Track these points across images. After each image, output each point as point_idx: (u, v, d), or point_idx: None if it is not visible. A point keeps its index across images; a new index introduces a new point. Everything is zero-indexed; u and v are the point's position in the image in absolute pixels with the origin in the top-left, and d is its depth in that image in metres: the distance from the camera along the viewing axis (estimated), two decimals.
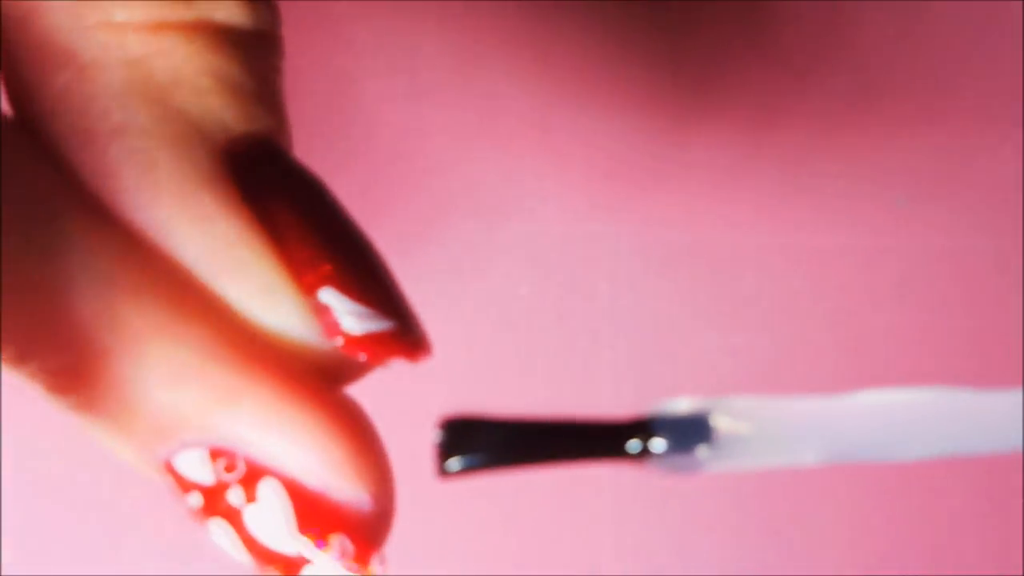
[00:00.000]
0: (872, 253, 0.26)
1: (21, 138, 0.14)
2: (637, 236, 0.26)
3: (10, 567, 0.25)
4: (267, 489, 0.14)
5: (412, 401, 0.25)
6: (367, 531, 0.14)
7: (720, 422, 0.13)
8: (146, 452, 0.14)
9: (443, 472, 0.13)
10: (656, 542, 0.26)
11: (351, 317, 0.14)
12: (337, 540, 0.14)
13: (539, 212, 0.26)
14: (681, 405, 0.13)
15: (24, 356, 0.13)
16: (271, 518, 0.14)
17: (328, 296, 0.14)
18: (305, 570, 0.14)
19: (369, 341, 0.14)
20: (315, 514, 0.14)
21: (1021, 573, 0.26)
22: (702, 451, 0.13)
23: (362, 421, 0.14)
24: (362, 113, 0.26)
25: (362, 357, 0.14)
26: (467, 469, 0.13)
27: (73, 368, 0.13)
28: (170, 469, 0.14)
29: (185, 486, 0.14)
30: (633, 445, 0.13)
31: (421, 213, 0.26)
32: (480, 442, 0.13)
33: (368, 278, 0.14)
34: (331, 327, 0.14)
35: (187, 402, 0.13)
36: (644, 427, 0.13)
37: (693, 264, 0.26)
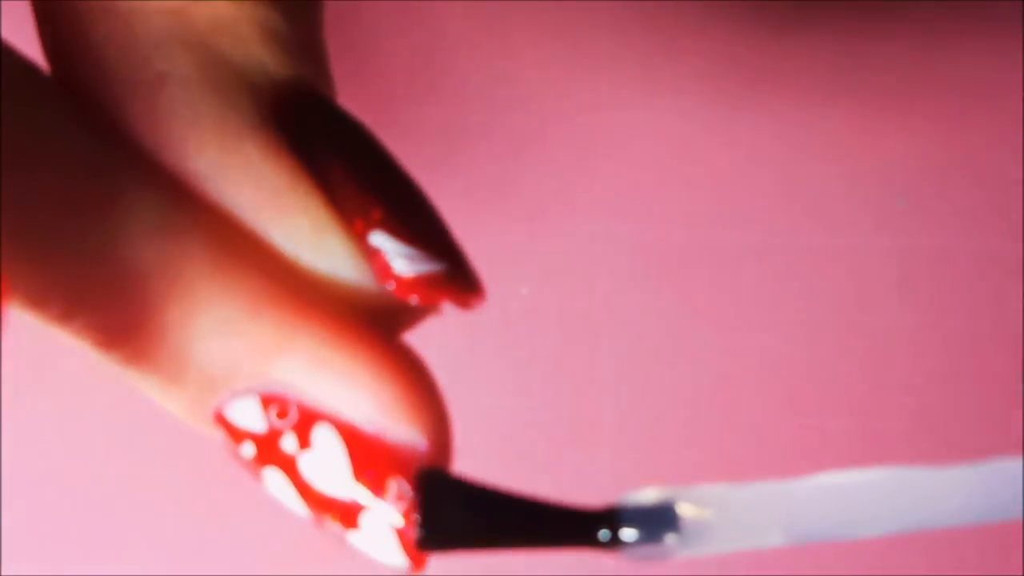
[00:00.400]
0: (872, 253, 0.26)
1: (63, 93, 0.13)
2: (637, 236, 0.26)
3: (10, 567, 0.25)
4: (322, 435, 0.13)
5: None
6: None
7: (686, 510, 0.13)
8: (198, 403, 0.14)
9: (424, 545, 0.13)
10: None
11: (402, 259, 0.14)
12: (395, 485, 0.13)
13: (539, 212, 0.26)
14: (648, 495, 0.14)
15: (71, 312, 0.13)
16: (327, 464, 0.13)
17: (379, 239, 0.14)
18: (363, 518, 0.13)
19: (421, 283, 0.14)
20: (372, 459, 0.13)
21: (1021, 573, 0.26)
22: (671, 539, 0.13)
23: (417, 364, 0.14)
24: None
25: (414, 300, 0.14)
26: (435, 548, 0.13)
27: (122, 321, 0.13)
28: (222, 420, 0.13)
29: (237, 436, 0.13)
30: (603, 535, 0.14)
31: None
32: (452, 517, 0.13)
33: (418, 221, 0.14)
34: (383, 270, 0.14)
35: (239, 350, 0.13)
36: (613, 516, 0.14)
37: (693, 264, 0.26)
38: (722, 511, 0.13)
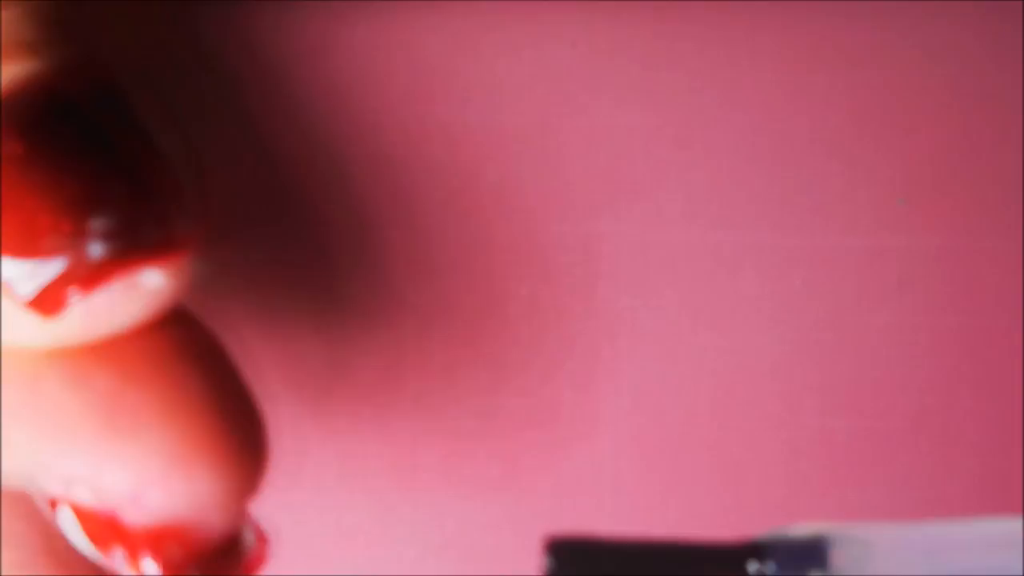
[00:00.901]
0: (872, 253, 0.26)
1: None
2: (637, 236, 0.26)
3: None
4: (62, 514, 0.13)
5: (412, 401, 0.25)
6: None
7: (836, 549, 0.13)
8: None
9: None
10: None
11: (19, 279, 0.12)
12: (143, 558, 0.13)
13: (539, 213, 0.26)
14: (798, 530, 0.14)
15: None
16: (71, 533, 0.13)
17: (7, 267, 0.12)
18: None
19: (52, 293, 0.12)
20: (109, 534, 0.13)
21: (1021, 573, 0.26)
22: (815, 573, 0.13)
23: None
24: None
25: (119, 281, 0.12)
26: None
27: None
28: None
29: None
30: (751, 568, 0.13)
31: (422, 216, 0.26)
32: (590, 569, 0.13)
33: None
34: (46, 301, 0.12)
35: None
36: (760, 551, 0.14)
37: (693, 264, 0.26)
38: (871, 551, 0.13)
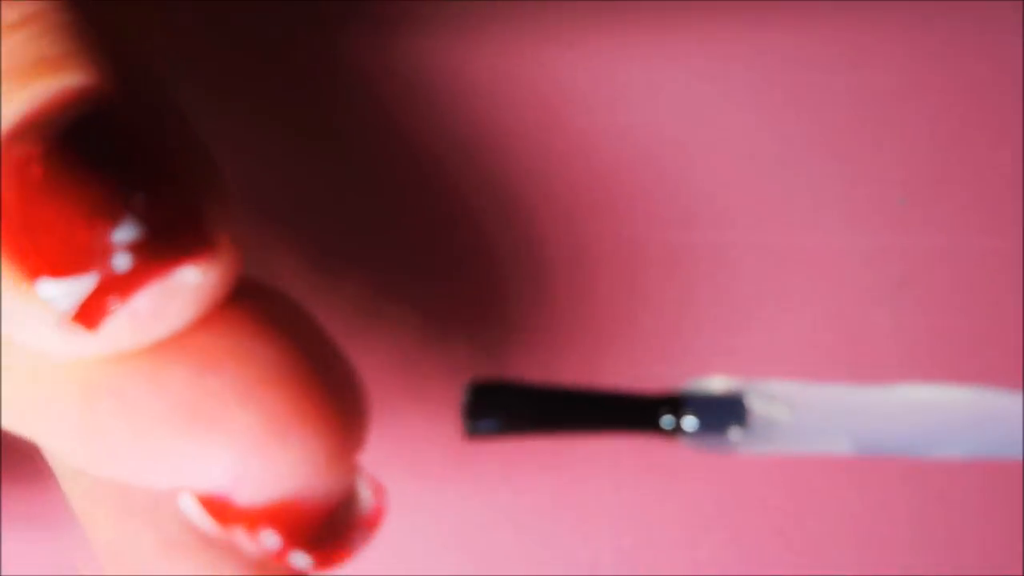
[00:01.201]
0: (872, 253, 0.26)
1: None
2: (638, 236, 0.26)
3: (10, 567, 0.25)
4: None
5: (411, 401, 0.25)
6: None
7: (755, 404, 0.13)
8: None
9: (470, 433, 0.13)
10: (656, 542, 0.26)
11: (58, 297, 0.12)
12: (263, 534, 0.13)
13: (539, 213, 0.26)
14: (716, 384, 0.13)
15: None
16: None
17: (45, 289, 0.12)
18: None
19: (91, 306, 0.12)
20: (228, 515, 0.13)
21: (1021, 573, 0.26)
22: (735, 432, 0.13)
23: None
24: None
25: (151, 283, 0.12)
26: (494, 432, 0.13)
27: None
28: None
29: None
30: (666, 421, 0.13)
31: (427, 221, 0.26)
32: (506, 406, 0.13)
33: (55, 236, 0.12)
34: (87, 314, 0.12)
35: None
36: (677, 403, 0.13)
37: (693, 264, 0.26)
38: (792, 409, 0.13)
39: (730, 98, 0.26)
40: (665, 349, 0.26)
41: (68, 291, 0.12)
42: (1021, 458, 0.13)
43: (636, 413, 0.13)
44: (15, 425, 0.13)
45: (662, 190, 0.26)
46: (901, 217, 0.26)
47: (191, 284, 0.12)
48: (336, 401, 0.13)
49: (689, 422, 0.13)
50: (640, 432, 0.13)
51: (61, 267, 0.12)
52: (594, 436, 0.13)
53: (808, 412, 0.13)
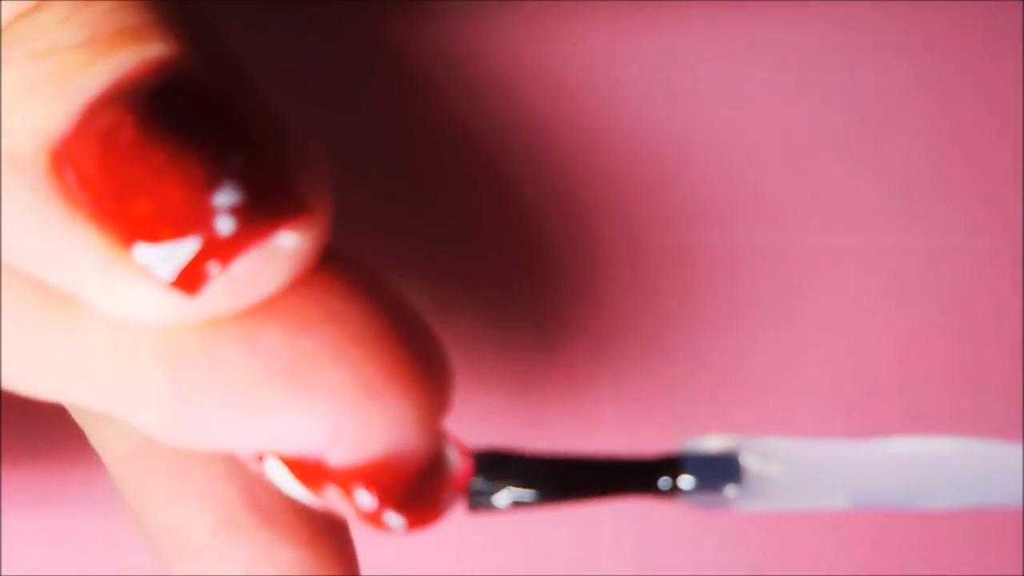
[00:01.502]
0: (872, 253, 0.26)
1: None
2: (639, 236, 0.26)
3: (10, 567, 0.25)
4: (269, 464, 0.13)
5: None
6: None
7: (750, 462, 0.13)
8: None
9: (473, 508, 0.13)
10: (656, 542, 0.26)
11: (158, 263, 0.12)
12: (357, 490, 0.13)
13: (539, 213, 0.26)
14: (711, 443, 0.14)
15: None
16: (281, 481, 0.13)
17: (142, 254, 0.12)
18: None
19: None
20: (320, 477, 0.13)
21: (1021, 573, 0.26)
22: (731, 490, 0.13)
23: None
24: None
25: (254, 243, 0.12)
26: (496, 508, 0.13)
27: None
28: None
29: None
30: (663, 483, 0.13)
31: (428, 220, 0.26)
32: (509, 479, 0.13)
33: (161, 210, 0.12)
34: (188, 280, 0.12)
35: None
36: (673, 465, 0.13)
37: (693, 264, 0.26)
38: (787, 466, 0.13)
39: (730, 98, 0.26)
40: (665, 348, 0.26)
41: (168, 256, 0.12)
42: (1021, 508, 0.13)
43: (633, 478, 0.13)
44: (90, 399, 0.13)
45: (662, 190, 0.26)
46: (901, 217, 0.26)
47: (288, 248, 0.12)
48: (424, 363, 0.13)
49: (685, 482, 0.13)
50: (639, 495, 0.13)
51: (161, 231, 0.12)
52: (594, 503, 0.14)
53: (803, 468, 0.13)
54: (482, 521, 0.26)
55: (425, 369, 0.13)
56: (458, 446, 0.14)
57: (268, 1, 0.25)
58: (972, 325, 0.26)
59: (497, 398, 0.26)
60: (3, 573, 0.25)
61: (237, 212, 0.12)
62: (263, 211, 0.12)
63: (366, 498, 0.13)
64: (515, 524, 0.26)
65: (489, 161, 0.26)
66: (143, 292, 0.12)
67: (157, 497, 0.16)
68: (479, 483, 0.13)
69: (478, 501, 0.13)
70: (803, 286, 0.26)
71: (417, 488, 0.13)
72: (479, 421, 0.24)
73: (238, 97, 0.13)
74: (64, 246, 0.12)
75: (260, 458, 0.13)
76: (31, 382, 0.14)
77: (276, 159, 0.12)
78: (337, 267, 0.13)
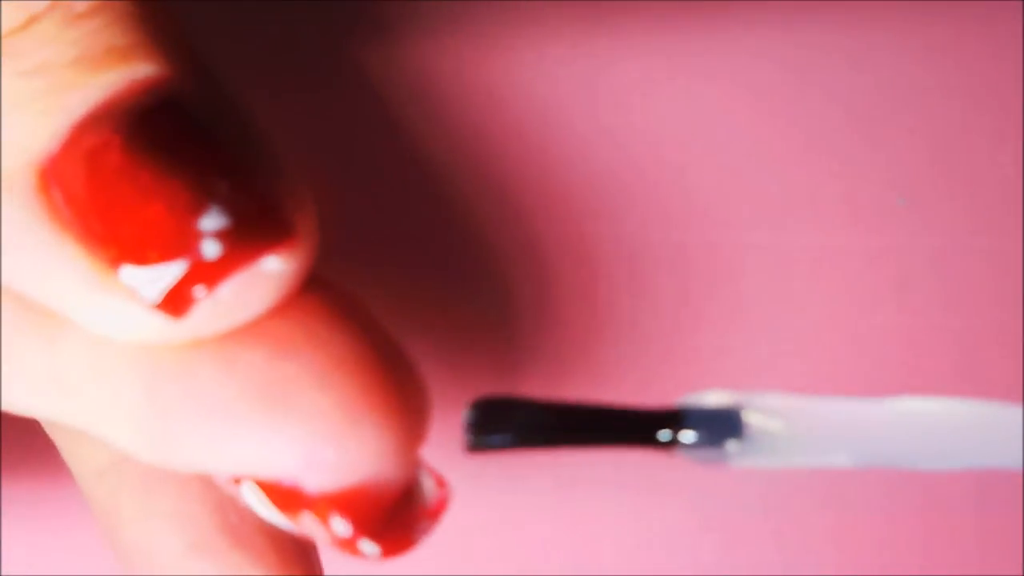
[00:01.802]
0: (872, 253, 0.26)
1: None
2: (639, 236, 0.26)
3: (10, 567, 0.25)
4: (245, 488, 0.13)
5: None
6: None
7: (752, 418, 0.13)
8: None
9: (471, 447, 0.13)
10: (656, 542, 0.26)
11: (144, 285, 0.12)
12: (334, 519, 0.13)
13: (539, 213, 0.26)
14: (713, 398, 0.13)
15: None
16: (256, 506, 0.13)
17: (128, 276, 0.12)
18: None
19: (178, 294, 0.12)
20: (296, 504, 0.13)
21: (1021, 573, 0.26)
22: (732, 445, 0.13)
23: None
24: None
25: (237, 272, 0.12)
26: (495, 446, 0.13)
27: None
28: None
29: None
30: (663, 435, 0.13)
31: (425, 221, 0.26)
32: (510, 422, 0.13)
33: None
34: (173, 303, 0.12)
35: None
36: (675, 418, 0.13)
37: (693, 264, 0.26)
38: (789, 423, 0.13)
39: (730, 98, 0.26)
40: (665, 348, 0.26)
41: (154, 278, 0.12)
42: (1021, 469, 0.13)
43: (634, 428, 0.13)
44: (67, 415, 0.13)
45: (662, 190, 0.26)
46: (901, 217, 0.26)
47: (273, 272, 0.12)
48: (404, 390, 0.13)
49: (686, 435, 0.13)
50: (639, 446, 0.13)
51: (147, 254, 0.12)
52: (593, 450, 0.13)
53: (805, 425, 0.13)
54: (482, 521, 0.26)
55: (405, 396, 0.13)
56: (433, 475, 0.14)
57: (257, 6, 0.25)
58: (973, 325, 0.26)
59: None
60: (3, 573, 0.25)
61: (223, 236, 0.12)
62: (249, 235, 0.12)
63: (341, 526, 0.13)
64: (515, 524, 0.26)
65: (487, 162, 0.26)
66: (128, 313, 0.12)
67: (127, 515, 0.16)
68: (476, 426, 0.13)
69: (477, 441, 0.13)
70: (803, 286, 0.26)
71: (394, 515, 0.14)
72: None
73: (225, 120, 0.13)
74: (50, 265, 0.12)
75: (236, 481, 0.13)
76: (8, 396, 0.14)
77: (262, 183, 0.12)
78: (318, 291, 0.13)
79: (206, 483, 0.15)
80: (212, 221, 0.12)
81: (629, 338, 0.26)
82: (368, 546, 0.13)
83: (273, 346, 0.12)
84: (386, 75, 0.26)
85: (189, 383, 0.12)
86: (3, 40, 0.12)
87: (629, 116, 0.26)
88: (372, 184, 0.26)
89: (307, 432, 0.12)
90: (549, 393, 0.26)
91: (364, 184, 0.26)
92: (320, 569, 0.16)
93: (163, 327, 0.12)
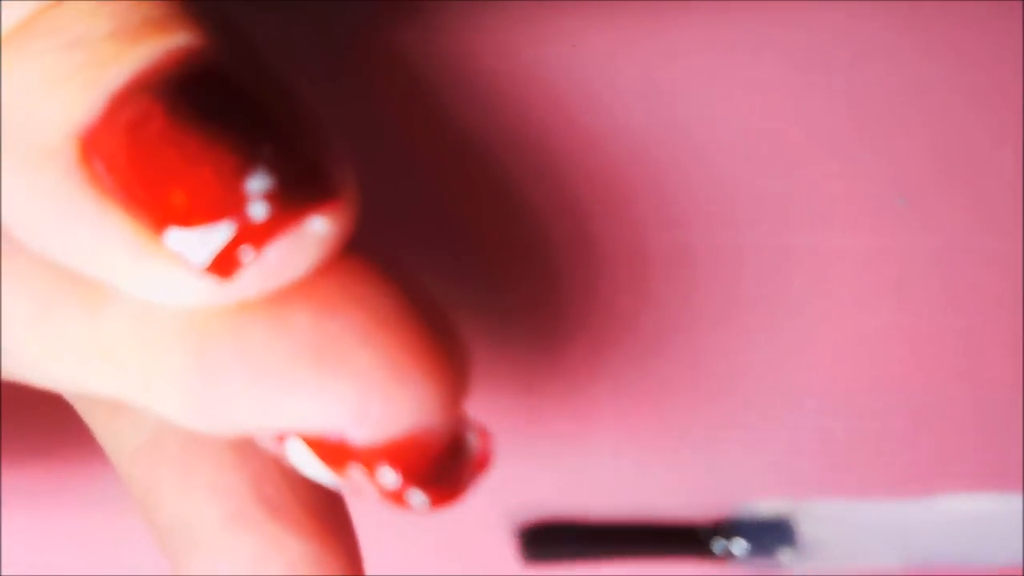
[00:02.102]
0: (872, 253, 0.26)
1: None
2: (639, 236, 0.26)
3: (9, 567, 0.25)
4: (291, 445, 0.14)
5: None
6: None
7: (803, 525, 0.13)
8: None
9: (530, 563, 0.13)
10: None
11: (191, 249, 0.12)
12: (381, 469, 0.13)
13: (539, 213, 0.26)
14: (764, 507, 0.14)
15: None
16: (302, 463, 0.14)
17: (174, 239, 0.12)
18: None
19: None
20: (343, 456, 0.13)
21: (1021, 574, 0.26)
22: (784, 554, 0.13)
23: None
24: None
25: (282, 230, 0.12)
26: (552, 568, 0.14)
27: None
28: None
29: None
30: (717, 546, 0.14)
31: (427, 220, 0.26)
32: (566, 545, 0.14)
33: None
34: (221, 266, 0.12)
35: None
36: (727, 528, 0.14)
37: (693, 264, 0.26)
38: (839, 529, 0.13)
39: (730, 98, 0.26)
40: (665, 348, 0.26)
41: (201, 241, 0.12)
42: None
43: (688, 540, 0.14)
44: (110, 386, 0.13)
45: (662, 190, 0.26)
46: (901, 217, 0.26)
47: (319, 233, 0.13)
48: (446, 345, 0.13)
49: (739, 546, 0.13)
50: (694, 558, 0.13)
51: (194, 217, 0.12)
52: (649, 562, 0.14)
53: (855, 530, 0.13)
54: (482, 521, 0.26)
55: (447, 351, 0.13)
56: (477, 428, 0.14)
57: (264, 3, 0.25)
58: (973, 325, 0.26)
59: (497, 398, 0.26)
60: (3, 573, 0.25)
61: (270, 198, 0.12)
62: (295, 197, 0.12)
63: (390, 476, 0.13)
64: (515, 523, 0.26)
65: (488, 162, 0.26)
66: (176, 277, 0.12)
67: (165, 492, 0.16)
68: (533, 549, 0.13)
69: (533, 563, 0.13)
70: (803, 286, 0.26)
71: (441, 466, 0.14)
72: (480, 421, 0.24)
73: (265, 84, 0.13)
74: (95, 234, 0.12)
75: (281, 439, 0.13)
76: (50, 370, 0.14)
77: (306, 145, 0.13)
78: (359, 252, 0.13)
79: (243, 455, 0.16)
80: (258, 183, 0.12)
81: (629, 338, 0.26)
82: (417, 496, 0.13)
83: (319, 306, 0.13)
84: (386, 75, 0.26)
85: (239, 345, 0.12)
86: (39, 16, 0.13)
87: (629, 116, 0.26)
88: (369, 183, 0.26)
89: (354, 386, 0.12)
90: (549, 393, 0.26)
91: (362, 184, 0.26)
92: (356, 542, 0.16)
93: (211, 290, 0.12)
